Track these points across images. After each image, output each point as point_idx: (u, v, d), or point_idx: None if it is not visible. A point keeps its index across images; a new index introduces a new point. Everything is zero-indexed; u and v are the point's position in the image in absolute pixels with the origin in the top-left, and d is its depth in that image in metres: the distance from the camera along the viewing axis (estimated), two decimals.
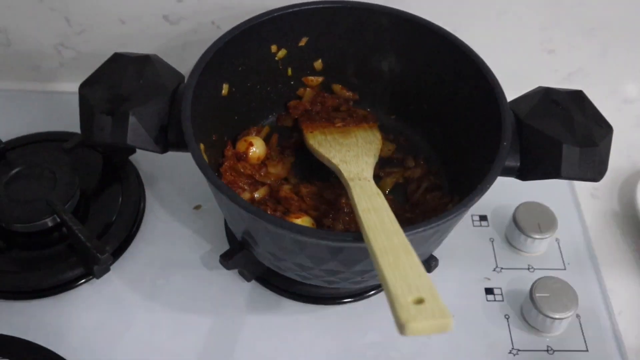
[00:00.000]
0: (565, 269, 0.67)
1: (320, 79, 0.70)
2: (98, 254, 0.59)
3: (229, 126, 0.65)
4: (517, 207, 0.68)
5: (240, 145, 0.65)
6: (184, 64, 0.62)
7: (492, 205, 0.71)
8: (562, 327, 0.61)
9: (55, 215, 0.63)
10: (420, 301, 0.39)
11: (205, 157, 0.54)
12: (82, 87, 0.57)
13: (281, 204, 0.61)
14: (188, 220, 0.68)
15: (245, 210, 0.49)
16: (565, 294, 0.61)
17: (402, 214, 0.60)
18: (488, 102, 0.57)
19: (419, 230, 0.47)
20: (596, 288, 0.66)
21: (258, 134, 0.67)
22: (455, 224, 0.56)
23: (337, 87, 0.70)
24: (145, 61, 0.58)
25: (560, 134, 0.54)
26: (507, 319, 0.63)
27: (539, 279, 0.62)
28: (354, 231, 0.55)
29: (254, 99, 0.67)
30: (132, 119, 0.54)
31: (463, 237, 0.67)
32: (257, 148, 0.64)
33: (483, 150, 0.56)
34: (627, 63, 0.82)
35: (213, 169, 0.55)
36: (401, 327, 0.38)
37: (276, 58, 0.66)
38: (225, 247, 0.63)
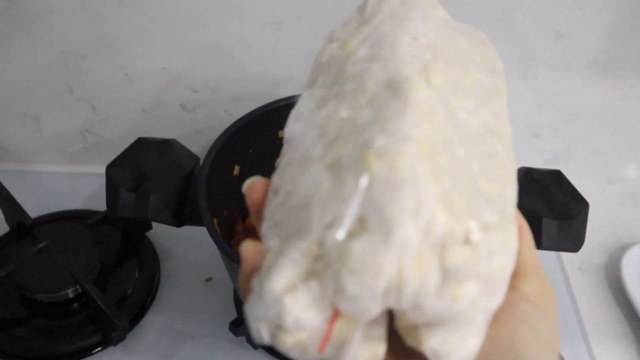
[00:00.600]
0: None
1: None
2: (116, 321, 0.63)
3: (240, 203, 0.70)
4: None
5: (251, 221, 0.69)
6: (200, 147, 0.68)
7: None
8: None
9: (76, 287, 0.68)
10: None
11: (218, 230, 0.59)
12: (109, 167, 0.63)
13: None
14: (200, 292, 0.72)
15: None
16: None
17: None
18: None
19: None
20: (586, 359, 0.68)
21: None
22: None
23: None
24: (166, 145, 0.64)
25: (540, 208, 0.59)
26: None
27: None
28: None
29: None
30: (153, 196, 0.60)
31: None
32: None
33: None
34: (610, 146, 0.86)
35: (225, 242, 0.60)
36: None
37: (283, 142, 0.72)
38: (234, 315, 0.67)
